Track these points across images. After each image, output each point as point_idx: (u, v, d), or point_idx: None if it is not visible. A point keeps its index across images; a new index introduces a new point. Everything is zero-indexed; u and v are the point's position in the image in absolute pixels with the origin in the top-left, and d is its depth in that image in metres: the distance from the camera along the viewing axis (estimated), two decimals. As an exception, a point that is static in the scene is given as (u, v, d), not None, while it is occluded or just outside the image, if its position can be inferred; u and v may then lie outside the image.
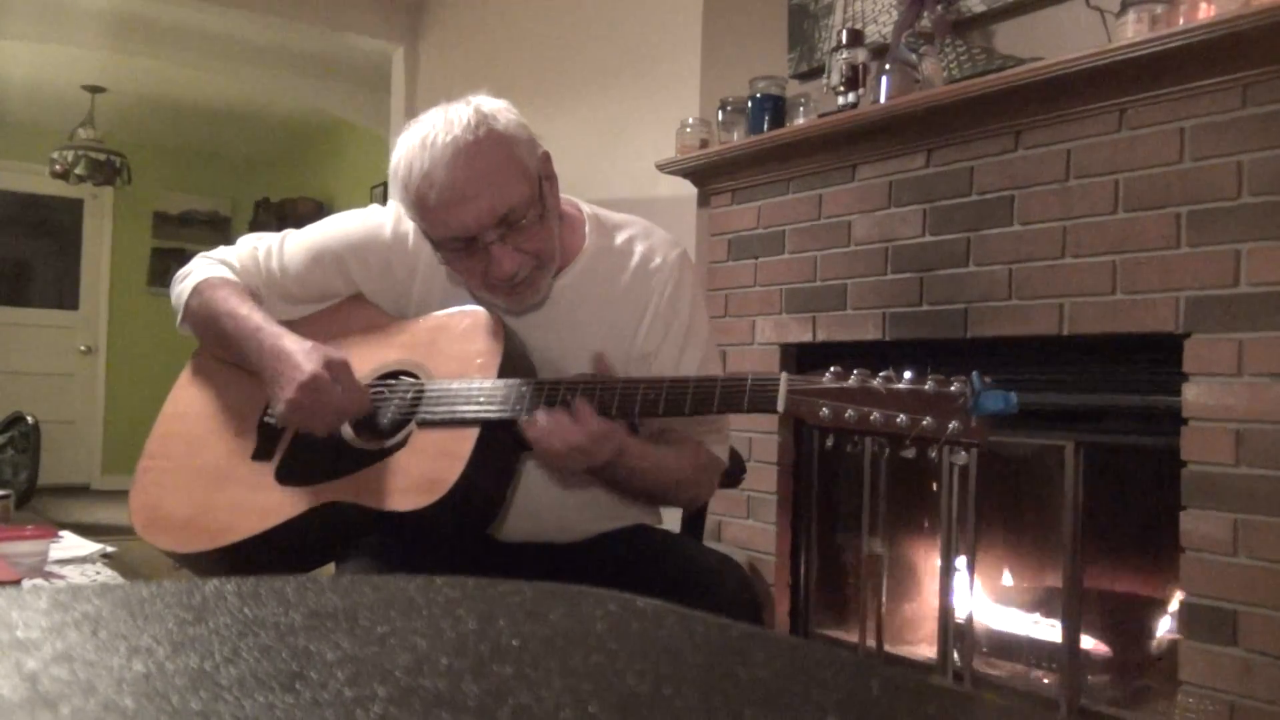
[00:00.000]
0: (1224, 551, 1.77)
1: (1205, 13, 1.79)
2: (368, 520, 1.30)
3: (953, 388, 1.12)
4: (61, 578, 1.82)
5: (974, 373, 1.13)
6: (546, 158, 1.37)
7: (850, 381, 1.15)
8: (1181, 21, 1.82)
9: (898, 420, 1.12)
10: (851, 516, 2.64)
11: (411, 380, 1.38)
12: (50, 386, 6.67)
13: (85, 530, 2.41)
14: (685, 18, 3.01)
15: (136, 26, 4.59)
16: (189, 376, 1.57)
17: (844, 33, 2.51)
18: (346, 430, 1.38)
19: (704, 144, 2.79)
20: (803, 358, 2.61)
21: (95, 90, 5.75)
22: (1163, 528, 1.91)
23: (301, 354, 1.34)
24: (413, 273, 1.46)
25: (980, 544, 2.35)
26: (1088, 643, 2.17)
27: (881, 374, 1.15)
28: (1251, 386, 1.75)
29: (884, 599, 2.55)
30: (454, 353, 1.38)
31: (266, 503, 1.36)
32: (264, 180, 7.13)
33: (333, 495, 1.33)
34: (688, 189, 2.91)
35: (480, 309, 1.40)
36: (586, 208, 1.51)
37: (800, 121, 2.57)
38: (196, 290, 1.48)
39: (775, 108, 2.64)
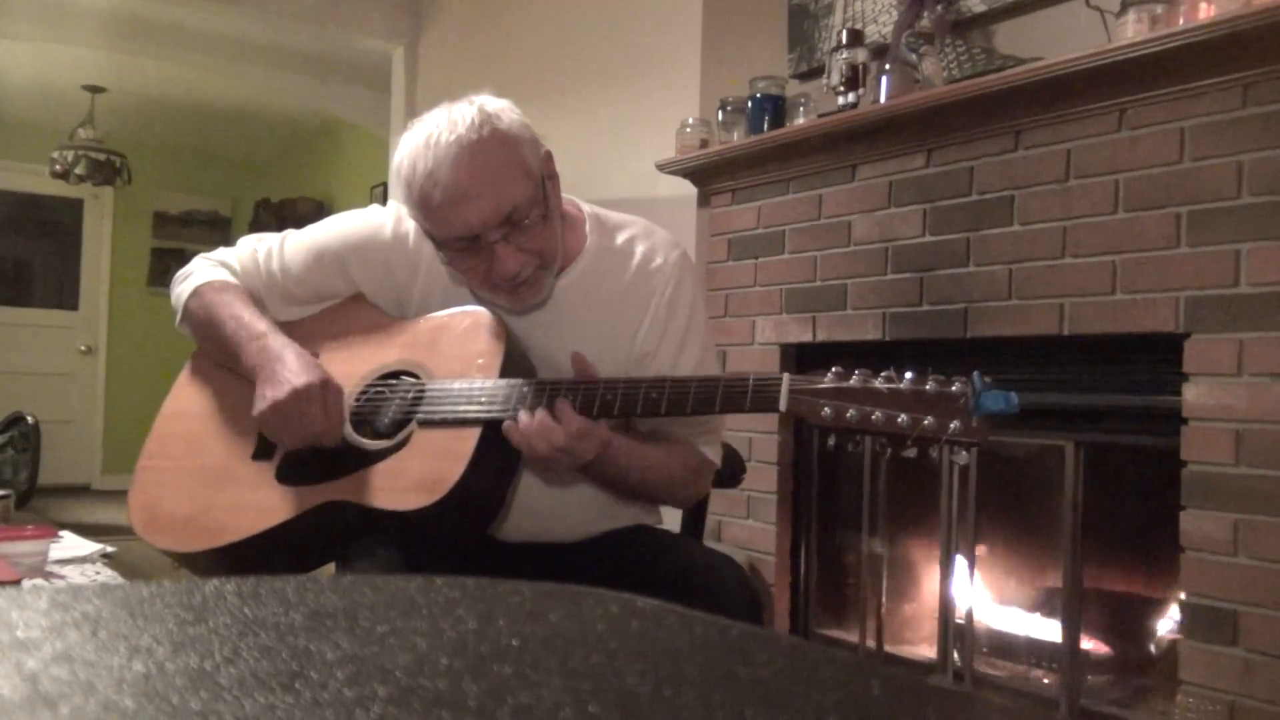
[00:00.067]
0: (1224, 551, 1.77)
1: (1205, 13, 1.79)
2: (368, 520, 1.30)
3: (954, 387, 1.13)
4: (61, 578, 1.82)
5: (975, 373, 1.13)
6: (549, 157, 1.37)
7: (852, 381, 1.15)
8: (1181, 21, 1.82)
9: (899, 420, 1.13)
10: (851, 516, 2.64)
11: (412, 380, 1.38)
12: (50, 386, 6.67)
13: (85, 530, 2.41)
14: (685, 18, 3.01)
15: (136, 26, 4.59)
16: (188, 376, 1.57)
17: (844, 33, 2.51)
18: (347, 429, 1.38)
19: (704, 144, 2.79)
20: (803, 358, 2.61)
21: (95, 90, 5.74)
22: (1163, 528, 1.91)
23: (304, 365, 1.34)
24: (414, 273, 1.46)
25: (980, 544, 2.35)
26: (1088, 643, 2.17)
27: (883, 374, 1.15)
28: (1251, 386, 1.75)
29: (884, 599, 2.55)
30: (455, 353, 1.38)
31: (267, 502, 1.36)
32: (264, 180, 7.13)
33: (333, 495, 1.33)
34: (688, 189, 2.91)
35: (481, 309, 1.40)
36: (587, 208, 1.51)
37: (800, 121, 2.57)
38: (197, 292, 1.48)
39: (775, 108, 2.64)
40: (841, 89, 2.47)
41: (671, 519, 1.61)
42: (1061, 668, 2.15)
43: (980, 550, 2.36)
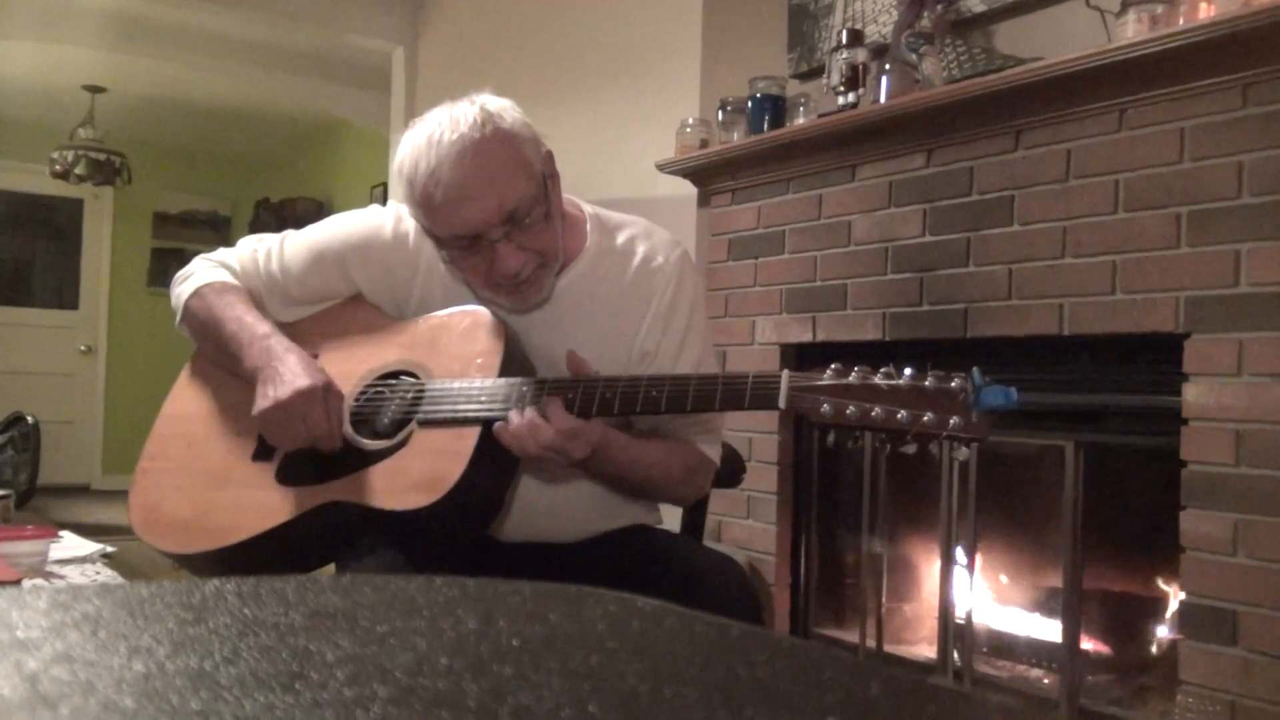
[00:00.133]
0: (1224, 551, 1.77)
1: (1205, 13, 1.79)
2: (368, 520, 1.30)
3: (953, 384, 1.13)
4: (61, 578, 1.82)
5: (974, 369, 1.13)
6: (550, 156, 1.37)
7: (851, 378, 1.15)
8: (1181, 21, 1.82)
9: (899, 416, 1.13)
10: (851, 516, 2.64)
11: (412, 380, 1.38)
12: (50, 386, 6.67)
13: (85, 530, 2.41)
14: (685, 18, 3.01)
15: (136, 26, 4.59)
16: (188, 377, 1.57)
17: (844, 33, 2.51)
18: (347, 429, 1.38)
19: (704, 144, 2.79)
20: (803, 358, 2.61)
21: (95, 90, 5.75)
22: (1163, 528, 1.91)
23: (305, 367, 1.34)
24: (413, 273, 1.46)
25: (981, 544, 2.35)
26: (1088, 643, 2.17)
27: (882, 370, 1.15)
28: (1251, 386, 1.75)
29: (884, 599, 2.55)
30: (455, 352, 1.38)
31: (267, 503, 1.36)
32: (264, 180, 7.13)
33: (333, 495, 1.33)
34: (688, 189, 2.91)
35: (481, 308, 1.40)
36: (588, 207, 1.51)
37: (800, 121, 2.57)
38: (198, 293, 1.48)
39: (775, 108, 2.64)
40: (841, 89, 2.47)
41: (671, 519, 1.61)
42: (1061, 668, 2.15)
43: (980, 550, 2.36)
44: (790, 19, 2.95)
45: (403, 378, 1.40)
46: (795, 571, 2.69)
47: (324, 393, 1.32)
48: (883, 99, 2.32)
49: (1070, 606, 2.12)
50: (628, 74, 3.25)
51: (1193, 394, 1.82)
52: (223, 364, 1.47)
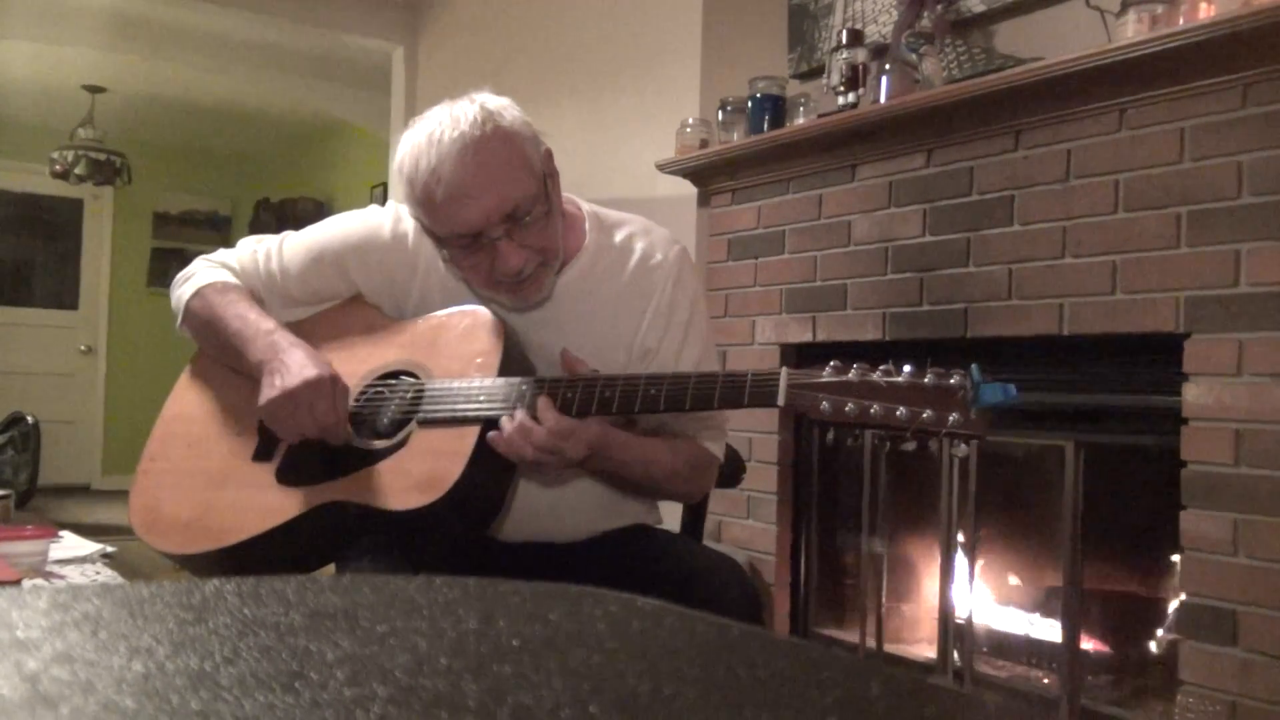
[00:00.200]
0: (1224, 551, 1.77)
1: (1205, 13, 1.79)
2: (369, 520, 1.30)
3: (952, 380, 1.12)
4: (61, 578, 1.82)
5: (973, 365, 1.13)
6: (549, 155, 1.38)
7: (850, 375, 1.15)
8: (1181, 21, 1.82)
9: (898, 413, 1.13)
10: (851, 516, 2.64)
11: (412, 380, 1.38)
12: (50, 386, 6.67)
13: (85, 530, 2.41)
14: (685, 18, 3.01)
15: (136, 26, 4.59)
16: (188, 379, 1.57)
17: (844, 33, 2.51)
18: (347, 429, 1.38)
19: (704, 144, 2.79)
20: (803, 358, 2.61)
21: (95, 90, 5.74)
22: (1163, 528, 1.92)
23: (312, 359, 1.34)
24: (412, 273, 1.46)
25: (980, 544, 2.35)
26: (1088, 643, 2.17)
27: (881, 368, 1.15)
28: (1251, 386, 1.75)
29: (884, 599, 2.55)
30: (454, 352, 1.38)
31: (267, 503, 1.36)
32: (264, 180, 7.13)
33: (333, 495, 1.33)
34: (688, 189, 2.91)
35: (480, 308, 1.40)
36: (586, 206, 1.51)
37: (800, 121, 2.57)
38: (199, 293, 1.48)
39: (775, 108, 2.64)
40: (841, 89, 2.47)
41: (671, 519, 1.61)
42: (1061, 668, 2.15)
43: (981, 550, 2.36)
44: (790, 19, 2.95)
45: (402, 378, 1.40)
46: (795, 571, 2.69)
47: (331, 384, 1.32)
48: (883, 99, 2.32)
49: (1070, 606, 2.12)
50: (628, 74, 3.25)
51: (1193, 394, 1.82)
52: (226, 362, 1.47)
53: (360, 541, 1.36)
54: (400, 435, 1.34)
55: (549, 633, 0.40)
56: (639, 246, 1.47)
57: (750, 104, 2.67)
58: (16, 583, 1.64)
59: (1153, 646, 2.17)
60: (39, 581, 1.73)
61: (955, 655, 2.33)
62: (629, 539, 1.49)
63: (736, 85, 2.76)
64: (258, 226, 6.53)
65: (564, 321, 1.42)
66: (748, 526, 2.72)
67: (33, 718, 0.28)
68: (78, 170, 5.75)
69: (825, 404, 1.15)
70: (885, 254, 2.38)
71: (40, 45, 4.81)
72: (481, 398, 1.30)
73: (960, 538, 2.32)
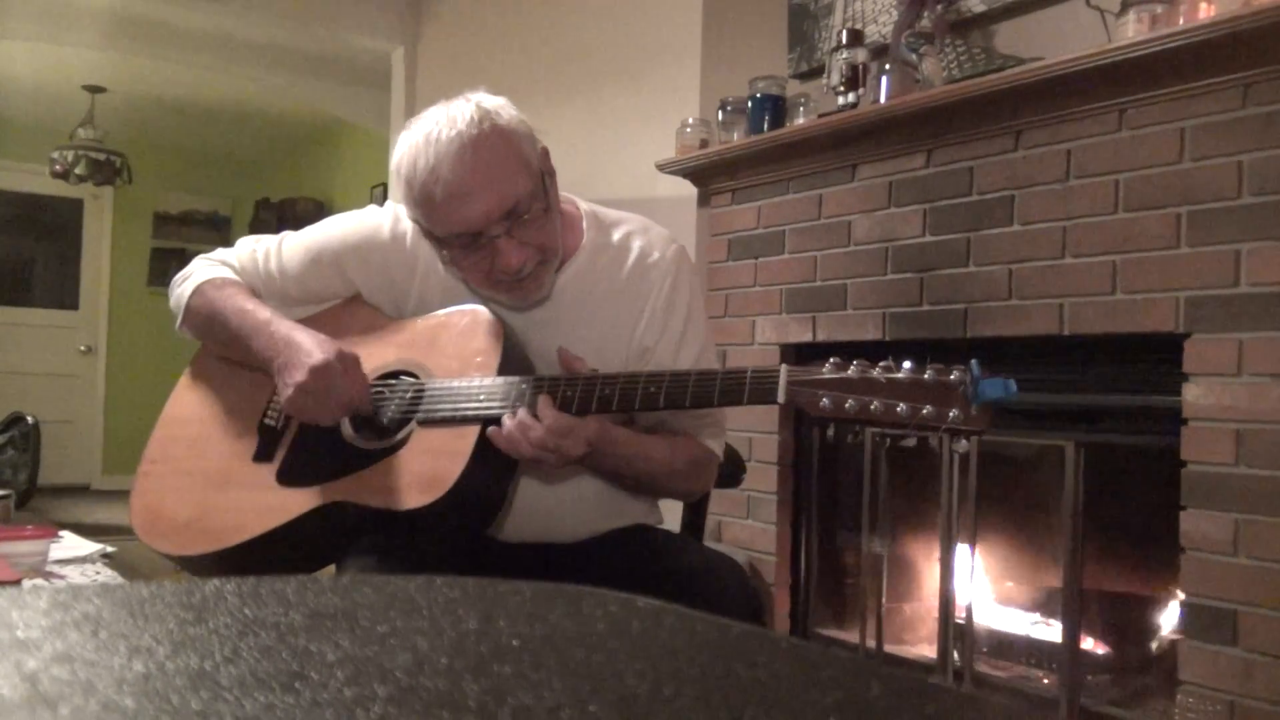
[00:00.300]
0: (1224, 551, 1.77)
1: (1205, 13, 1.79)
2: (369, 520, 1.30)
3: (952, 376, 1.12)
4: (61, 578, 1.82)
5: (973, 361, 1.13)
6: (546, 153, 1.38)
7: (850, 372, 1.15)
8: (1181, 21, 1.82)
9: (898, 409, 1.12)
10: (852, 516, 2.63)
11: (412, 380, 1.38)
12: (50, 386, 6.67)
13: (85, 530, 2.41)
14: (685, 18, 3.01)
15: (136, 26, 4.59)
16: (189, 380, 1.57)
17: (844, 33, 2.51)
18: (347, 430, 1.38)
19: (704, 144, 2.79)
20: (803, 358, 2.61)
21: (95, 90, 5.74)
22: (1163, 528, 1.91)
23: (314, 343, 1.34)
24: (411, 272, 1.46)
25: (981, 544, 2.34)
26: (1088, 643, 2.17)
27: (881, 364, 1.15)
28: (1251, 386, 1.75)
29: (884, 599, 2.55)
30: (454, 351, 1.38)
31: (268, 504, 1.36)
32: (264, 180, 7.13)
33: (334, 495, 1.33)
34: (688, 189, 2.91)
35: (479, 307, 1.40)
36: (584, 204, 1.51)
37: (800, 121, 2.57)
38: (199, 290, 1.48)
39: (775, 108, 2.64)
40: (841, 89, 2.47)
41: (671, 519, 1.61)
42: (1061, 668, 2.15)
43: (981, 550, 2.36)
44: (790, 19, 2.95)
45: (402, 377, 1.40)
46: (795, 571, 2.69)
47: (339, 361, 1.33)
48: (883, 99, 2.32)
49: (1070, 606, 2.12)
50: (628, 74, 3.25)
51: (1193, 394, 1.83)
52: (232, 356, 1.48)
53: (361, 541, 1.36)
54: (400, 435, 1.34)
55: (549, 633, 0.40)
56: (637, 245, 1.47)
57: (750, 104, 2.67)
58: (16, 583, 1.64)
59: (1153, 647, 2.17)
60: (39, 581, 1.73)
61: (955, 655, 2.33)
62: (629, 539, 1.49)
63: (736, 85, 2.76)
64: (258, 226, 6.53)
65: (562, 320, 1.42)
66: (748, 526, 2.72)
67: (33, 718, 0.28)
68: (78, 170, 5.75)
69: (825, 400, 1.15)
70: (885, 254, 2.38)
71: (40, 45, 4.81)
72: (481, 397, 1.30)
73: (960, 538, 2.32)
